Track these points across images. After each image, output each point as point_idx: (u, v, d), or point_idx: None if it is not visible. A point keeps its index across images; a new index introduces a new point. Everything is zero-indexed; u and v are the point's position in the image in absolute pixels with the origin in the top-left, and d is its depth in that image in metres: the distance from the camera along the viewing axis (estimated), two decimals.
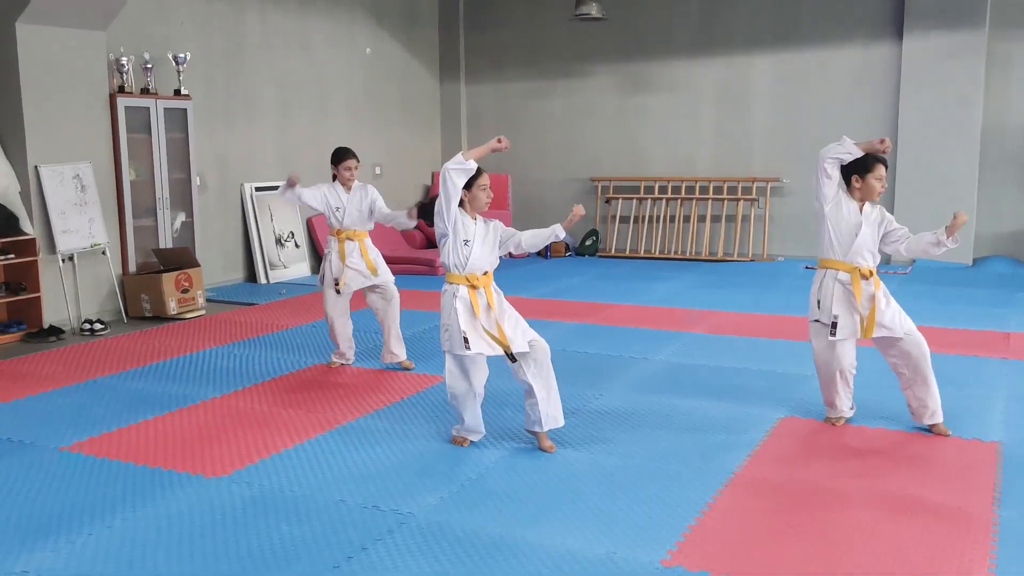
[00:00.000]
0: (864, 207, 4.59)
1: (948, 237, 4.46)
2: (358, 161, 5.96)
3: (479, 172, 4.33)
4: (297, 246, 10.23)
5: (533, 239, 4.50)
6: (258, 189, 9.79)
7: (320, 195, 5.92)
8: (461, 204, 4.34)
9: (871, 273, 4.54)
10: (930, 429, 4.60)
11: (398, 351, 6.03)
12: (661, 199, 11.60)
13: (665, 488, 3.93)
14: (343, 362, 6.14)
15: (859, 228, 4.53)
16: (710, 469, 4.14)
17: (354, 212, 5.90)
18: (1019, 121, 10.10)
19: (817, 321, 4.67)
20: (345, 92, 11.03)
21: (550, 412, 4.38)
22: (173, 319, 7.76)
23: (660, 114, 11.66)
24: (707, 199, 11.38)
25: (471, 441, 4.52)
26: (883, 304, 4.53)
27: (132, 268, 8.11)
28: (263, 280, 9.70)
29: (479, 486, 3.98)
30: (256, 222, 9.70)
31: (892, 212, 10.53)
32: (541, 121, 12.27)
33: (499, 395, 5.22)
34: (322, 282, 6.06)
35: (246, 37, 9.61)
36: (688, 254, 11.40)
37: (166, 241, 8.41)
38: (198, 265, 8.15)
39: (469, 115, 12.75)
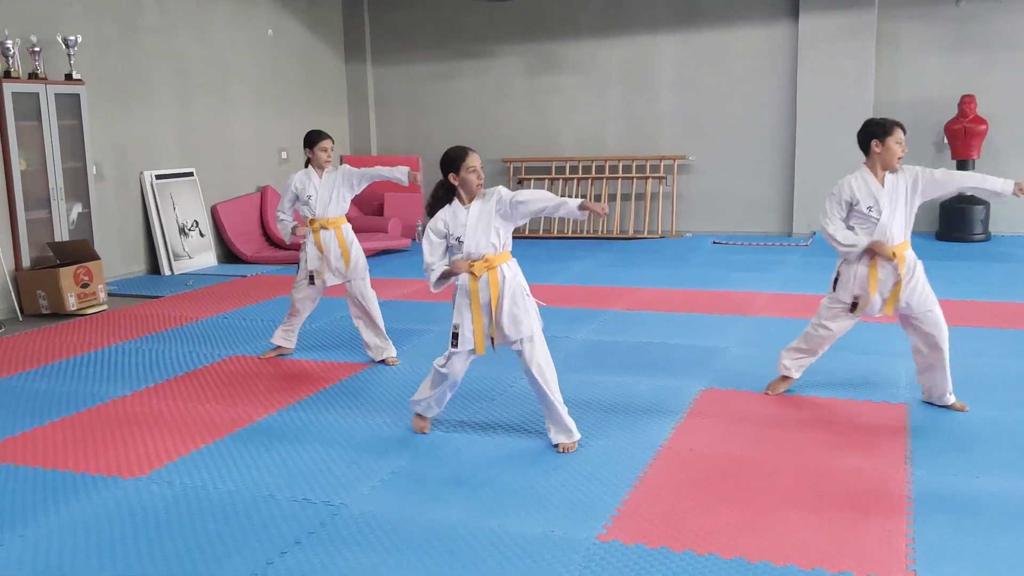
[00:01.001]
0: (887, 180, 4.43)
1: (1014, 191, 4.34)
2: (333, 141, 5.72)
3: (467, 153, 4.09)
4: (202, 235, 9.92)
5: (542, 204, 4.06)
6: (159, 177, 9.45)
7: (291, 194, 5.69)
8: (456, 193, 4.14)
9: (894, 252, 4.40)
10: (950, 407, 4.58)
11: (382, 345, 5.73)
12: (572, 179, 11.67)
13: (596, 464, 3.96)
14: (282, 345, 5.91)
15: (881, 210, 4.40)
16: (638, 443, 4.20)
17: (326, 197, 5.61)
18: (907, 98, 10.49)
19: (835, 295, 4.60)
20: (247, 75, 10.74)
21: (552, 426, 4.21)
22: (73, 315, 7.44)
23: (569, 94, 11.72)
24: (617, 178, 11.50)
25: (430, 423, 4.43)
26: (905, 281, 4.42)
27: (26, 263, 7.73)
28: (167, 272, 9.40)
29: (410, 473, 3.94)
30: (158, 211, 9.37)
31: (792, 188, 10.90)
32: (451, 102, 12.19)
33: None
34: (297, 274, 5.77)
35: (141, 19, 9.24)
36: (600, 233, 11.51)
37: (62, 234, 8.04)
38: (98, 258, 7.83)
39: (377, 97, 12.59)
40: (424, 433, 4.39)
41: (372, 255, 10.04)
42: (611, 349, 5.91)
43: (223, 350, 6.20)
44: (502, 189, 4.15)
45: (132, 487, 3.85)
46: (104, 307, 7.71)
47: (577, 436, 4.20)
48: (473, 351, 4.16)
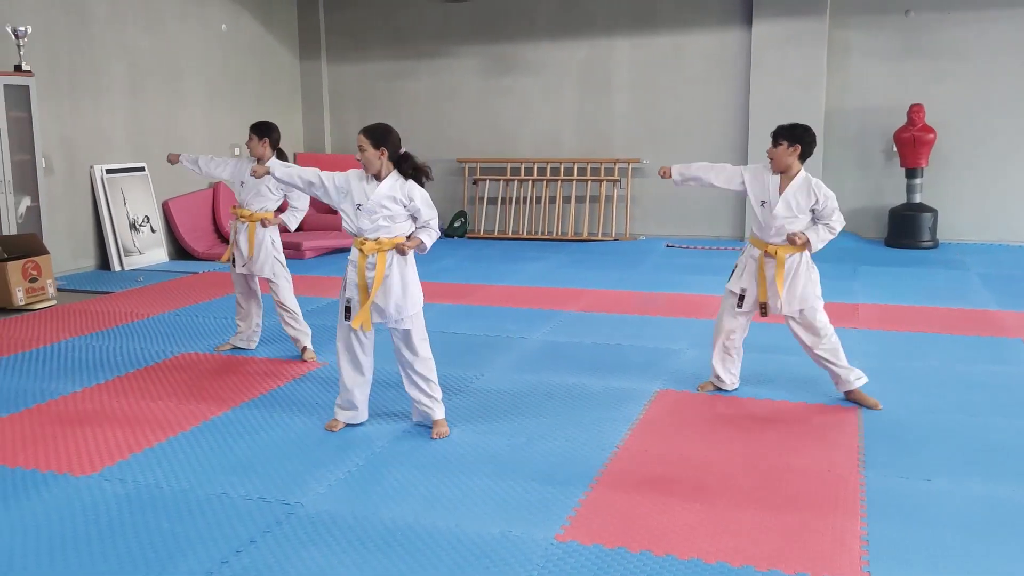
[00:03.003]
0: (788, 183, 4.63)
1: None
2: (251, 133, 5.67)
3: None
4: (153, 231, 9.77)
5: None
6: (109, 171, 9.28)
7: (223, 164, 5.85)
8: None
9: (776, 251, 4.63)
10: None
11: (296, 337, 5.84)
12: (527, 180, 11.69)
13: (552, 465, 3.98)
14: (239, 344, 5.99)
15: (771, 206, 4.63)
16: (594, 444, 4.22)
17: (249, 190, 5.69)
18: (858, 104, 10.70)
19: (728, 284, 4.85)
20: (200, 70, 10.59)
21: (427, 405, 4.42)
22: (21, 310, 7.27)
23: (524, 96, 11.74)
24: (571, 180, 11.55)
25: (344, 424, 4.46)
26: (783, 281, 4.63)
27: None
28: (117, 267, 9.23)
29: (367, 472, 3.92)
30: (108, 206, 9.20)
31: (744, 193, 10.99)
32: (406, 102, 12.14)
33: (383, 376, 5.15)
34: None
35: (92, 10, 9.06)
36: (555, 234, 11.55)
37: (10, 228, 7.86)
38: (47, 252, 7.65)
39: (331, 94, 12.49)
40: (333, 431, 4.44)
41: (325, 253, 9.98)
42: (566, 350, 5.93)
43: (175, 347, 6.11)
44: (416, 192, 4.22)
45: (84, 485, 3.78)
46: (53, 302, 7.55)
47: (442, 415, 4.41)
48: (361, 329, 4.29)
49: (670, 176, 4.93)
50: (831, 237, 4.67)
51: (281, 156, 5.73)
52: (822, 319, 4.73)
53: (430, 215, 4.27)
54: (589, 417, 4.61)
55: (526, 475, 3.87)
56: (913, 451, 4.12)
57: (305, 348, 5.78)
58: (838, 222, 4.65)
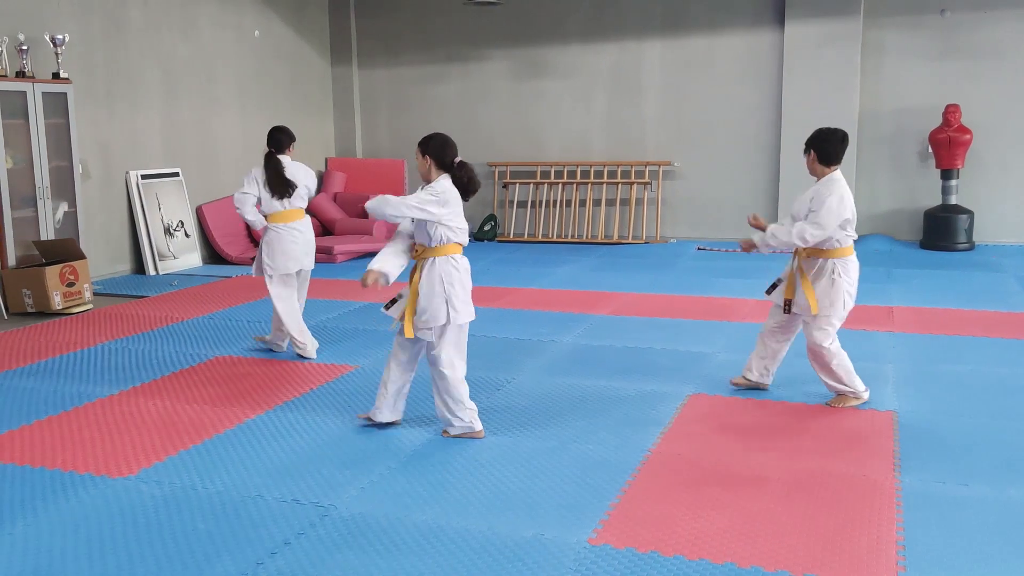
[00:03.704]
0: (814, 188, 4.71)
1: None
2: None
3: None
4: (187, 236, 9.88)
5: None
6: (144, 177, 9.40)
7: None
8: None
9: (801, 251, 4.72)
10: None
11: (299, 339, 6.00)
12: (557, 183, 11.70)
13: (585, 468, 3.97)
14: (278, 343, 6.11)
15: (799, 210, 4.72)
16: (626, 447, 4.21)
17: None
18: (892, 106, 10.59)
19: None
20: (233, 76, 10.70)
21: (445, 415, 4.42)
22: (58, 314, 7.39)
23: (555, 99, 11.75)
24: (602, 183, 11.53)
25: (375, 422, 4.49)
26: (798, 281, 4.72)
27: (11, 262, 7.67)
28: (152, 272, 9.35)
29: (399, 475, 3.94)
30: (143, 211, 9.32)
31: (777, 195, 10.97)
32: (436, 106, 12.19)
33: (417, 381, 5.17)
34: None
35: (127, 18, 9.20)
36: (585, 238, 11.54)
37: (48, 233, 7.99)
38: (83, 257, 7.78)
39: (362, 99, 12.57)
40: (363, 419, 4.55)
41: (355, 257, 10.04)
42: (598, 353, 5.92)
43: (209, 350, 6.17)
44: (438, 186, 4.26)
45: (121, 486, 3.83)
46: (89, 306, 7.66)
47: (477, 428, 4.38)
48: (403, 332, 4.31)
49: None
50: (789, 241, 4.57)
51: (275, 156, 6.19)
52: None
53: (428, 207, 4.19)
54: (621, 420, 4.60)
55: (559, 478, 3.87)
56: (950, 456, 4.07)
57: (286, 346, 6.04)
58: (810, 233, 4.51)
